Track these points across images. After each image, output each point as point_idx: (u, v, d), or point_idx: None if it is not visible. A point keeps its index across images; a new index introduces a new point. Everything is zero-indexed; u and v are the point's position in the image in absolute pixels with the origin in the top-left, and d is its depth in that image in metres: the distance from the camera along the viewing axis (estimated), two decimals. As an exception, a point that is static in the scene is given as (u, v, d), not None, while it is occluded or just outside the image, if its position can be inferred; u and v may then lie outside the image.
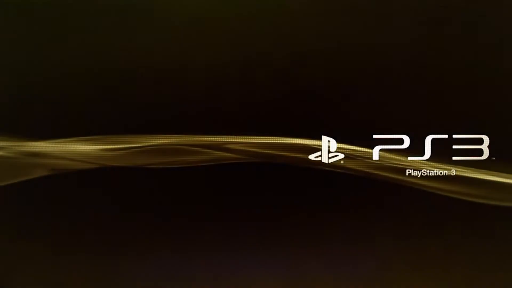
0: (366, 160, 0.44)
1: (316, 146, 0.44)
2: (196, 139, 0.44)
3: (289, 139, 0.44)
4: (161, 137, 0.44)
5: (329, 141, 0.44)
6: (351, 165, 0.44)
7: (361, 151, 0.44)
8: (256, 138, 0.44)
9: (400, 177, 0.44)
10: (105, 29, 0.44)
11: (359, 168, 0.44)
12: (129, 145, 0.45)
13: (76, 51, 0.44)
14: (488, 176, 0.44)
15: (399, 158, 0.44)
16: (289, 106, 0.44)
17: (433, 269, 0.46)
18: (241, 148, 0.44)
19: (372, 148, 0.44)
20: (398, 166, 0.44)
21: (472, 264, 0.46)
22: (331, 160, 0.44)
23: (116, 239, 0.46)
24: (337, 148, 0.44)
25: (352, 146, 0.44)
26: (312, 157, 0.44)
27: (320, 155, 0.44)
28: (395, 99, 0.44)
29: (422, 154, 0.44)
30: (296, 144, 0.44)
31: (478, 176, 0.44)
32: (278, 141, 0.44)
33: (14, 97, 0.45)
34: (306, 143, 0.44)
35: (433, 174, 0.44)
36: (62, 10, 0.44)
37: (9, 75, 0.45)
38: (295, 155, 0.44)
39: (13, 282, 0.47)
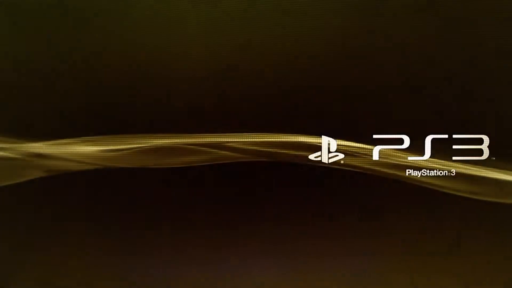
0: (366, 160, 0.44)
1: (317, 144, 0.44)
2: (196, 139, 0.44)
3: (289, 137, 0.44)
4: (161, 137, 0.44)
5: (329, 141, 0.44)
6: (351, 165, 0.44)
7: (361, 150, 0.44)
8: (257, 137, 0.44)
9: (400, 177, 0.44)
10: (105, 29, 0.44)
11: (359, 168, 0.44)
12: (129, 146, 0.45)
13: (77, 51, 0.44)
14: (488, 173, 0.44)
15: (399, 158, 0.44)
16: (290, 105, 0.44)
17: (434, 267, 0.46)
18: (242, 146, 0.44)
19: (372, 148, 0.44)
20: (398, 166, 0.44)
21: (474, 261, 0.46)
22: (331, 160, 0.44)
23: (116, 240, 0.46)
24: (337, 148, 0.44)
25: (352, 146, 0.44)
26: (312, 157, 0.44)
27: (320, 155, 0.44)
28: (395, 99, 0.44)
29: (422, 154, 0.44)
30: (296, 142, 0.44)
31: (478, 174, 0.44)
32: (279, 140, 0.44)
33: (14, 97, 0.45)
34: (306, 141, 0.44)
35: (433, 174, 0.44)
36: (62, 9, 0.44)
37: (9, 75, 0.45)
38: (296, 152, 0.44)
39: (14, 283, 0.47)
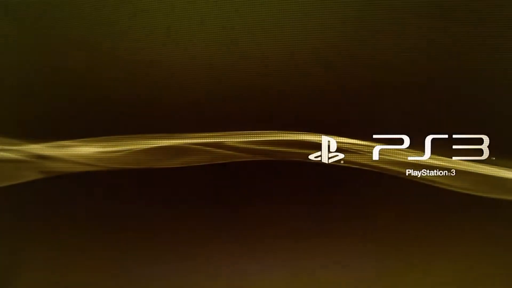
0: (366, 160, 0.44)
1: (317, 143, 0.44)
2: (196, 139, 0.44)
3: (289, 136, 0.44)
4: (161, 137, 0.45)
5: (329, 141, 0.44)
6: (351, 165, 0.44)
7: (361, 149, 0.44)
8: (257, 136, 0.44)
9: (400, 177, 0.44)
10: (105, 29, 0.44)
11: (359, 167, 0.44)
12: (129, 147, 0.45)
13: (77, 51, 0.44)
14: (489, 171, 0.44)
15: (399, 157, 0.44)
16: (289, 105, 0.44)
17: (435, 266, 0.46)
18: (242, 146, 0.44)
19: (372, 148, 0.44)
20: (398, 165, 0.44)
21: (474, 260, 0.46)
22: (331, 161, 0.44)
23: (116, 241, 0.46)
24: (337, 148, 0.44)
25: (352, 145, 0.44)
26: (312, 157, 0.44)
27: (320, 155, 0.44)
28: (395, 99, 0.44)
29: (422, 154, 0.44)
30: (295, 141, 0.44)
31: (478, 172, 0.44)
32: (279, 139, 0.44)
33: (14, 98, 0.45)
34: (306, 139, 0.44)
35: (433, 174, 0.44)
36: (61, 10, 0.44)
37: (9, 76, 0.45)
38: (296, 151, 0.44)
39: (14, 283, 0.48)
